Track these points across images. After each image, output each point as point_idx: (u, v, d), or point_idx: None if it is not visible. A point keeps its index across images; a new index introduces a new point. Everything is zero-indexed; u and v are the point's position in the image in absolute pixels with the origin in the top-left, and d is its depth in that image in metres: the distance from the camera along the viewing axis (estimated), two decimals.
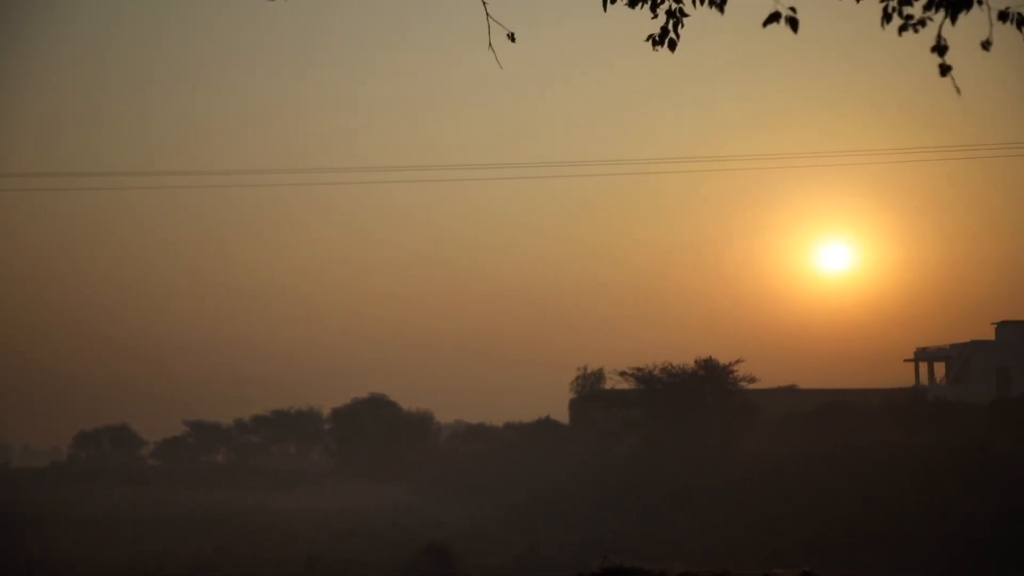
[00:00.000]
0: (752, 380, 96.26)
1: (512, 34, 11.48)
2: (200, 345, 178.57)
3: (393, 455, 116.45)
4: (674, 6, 11.05)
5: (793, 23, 10.80)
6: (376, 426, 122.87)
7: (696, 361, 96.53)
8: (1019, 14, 10.81)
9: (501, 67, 12.23)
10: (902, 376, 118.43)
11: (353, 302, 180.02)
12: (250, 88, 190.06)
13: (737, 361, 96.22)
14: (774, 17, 10.84)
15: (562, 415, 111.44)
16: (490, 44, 11.65)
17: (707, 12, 11.10)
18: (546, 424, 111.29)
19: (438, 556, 64.87)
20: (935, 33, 10.88)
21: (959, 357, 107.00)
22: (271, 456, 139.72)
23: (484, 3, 11.50)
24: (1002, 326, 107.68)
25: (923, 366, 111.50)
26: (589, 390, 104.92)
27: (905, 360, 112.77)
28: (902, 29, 10.94)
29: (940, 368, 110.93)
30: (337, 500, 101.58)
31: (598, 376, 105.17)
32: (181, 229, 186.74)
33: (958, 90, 11.31)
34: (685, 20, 11.11)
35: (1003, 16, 10.85)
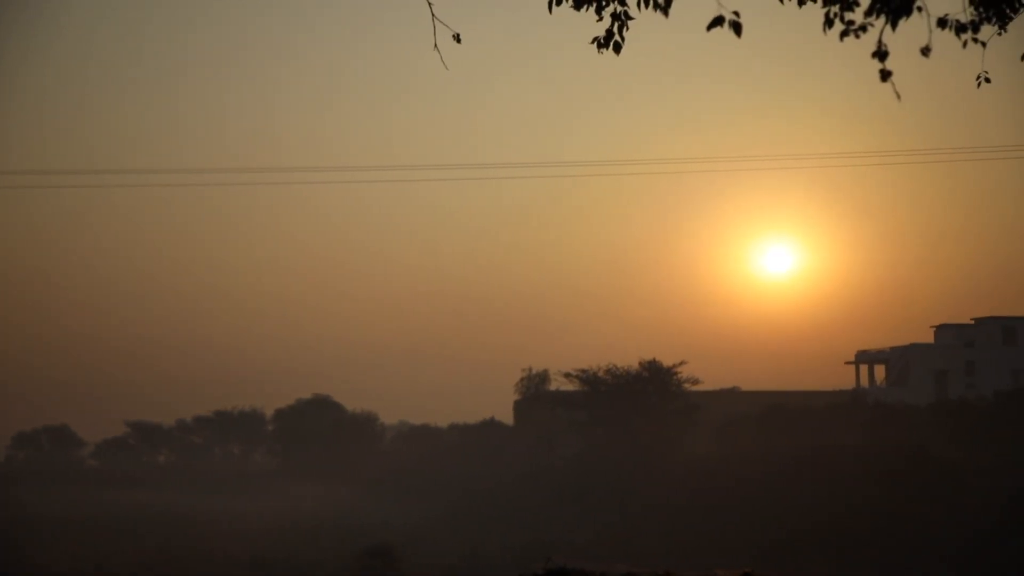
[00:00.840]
0: (696, 382, 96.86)
1: (457, 35, 11.50)
2: (142, 345, 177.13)
3: (337, 456, 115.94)
4: (619, 9, 11.10)
5: (737, 27, 10.88)
6: (320, 427, 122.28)
7: (640, 363, 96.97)
8: (957, 21, 10.97)
9: (447, 68, 12.25)
10: (843, 378, 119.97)
11: (297, 303, 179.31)
12: (184, 87, 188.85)
13: (681, 363, 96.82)
14: (718, 21, 10.92)
15: (507, 416, 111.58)
16: (435, 45, 11.67)
17: (652, 15, 11.18)
18: (490, 425, 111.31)
19: (382, 557, 64.70)
20: (876, 39, 11.03)
21: (899, 360, 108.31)
22: (214, 457, 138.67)
23: (430, 4, 11.51)
24: (941, 329, 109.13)
25: (864, 368, 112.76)
26: (534, 391, 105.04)
27: (846, 362, 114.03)
28: (843, 35, 11.06)
29: (880, 371, 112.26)
30: (280, 501, 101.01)
31: (543, 377, 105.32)
32: (119, 230, 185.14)
33: (898, 95, 11.46)
34: (630, 23, 11.17)
35: (942, 23, 11.00)
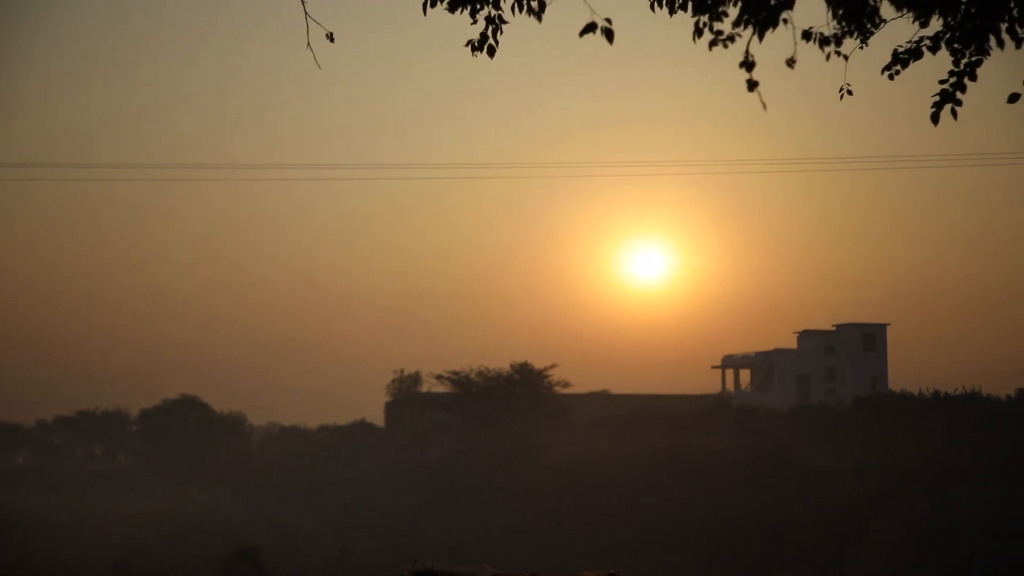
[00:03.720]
0: (566, 385, 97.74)
1: (331, 34, 11.44)
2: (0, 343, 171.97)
3: (204, 457, 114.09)
4: (493, 12, 11.15)
5: (609, 34, 11.03)
6: (187, 427, 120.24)
7: (512, 365, 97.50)
8: (821, 34, 11.26)
9: (320, 67, 12.19)
10: (710, 382, 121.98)
11: (165, 300, 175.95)
12: (52, 82, 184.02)
13: (552, 366, 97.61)
14: (590, 27, 11.06)
15: (378, 418, 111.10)
16: (308, 44, 11.60)
17: (526, 20, 11.25)
18: (361, 427, 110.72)
19: (248, 560, 63.90)
20: (744, 49, 11.27)
21: (763, 365, 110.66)
22: (75, 458, 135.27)
23: (303, 2, 11.43)
24: (803, 335, 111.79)
25: (729, 373, 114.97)
26: (405, 393, 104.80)
27: (713, 367, 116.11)
28: (712, 44, 11.28)
29: (746, 375, 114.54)
30: (145, 503, 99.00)
31: (414, 379, 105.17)
32: None
33: (764, 105, 11.73)
34: (504, 27, 11.23)
35: (806, 35, 11.29)
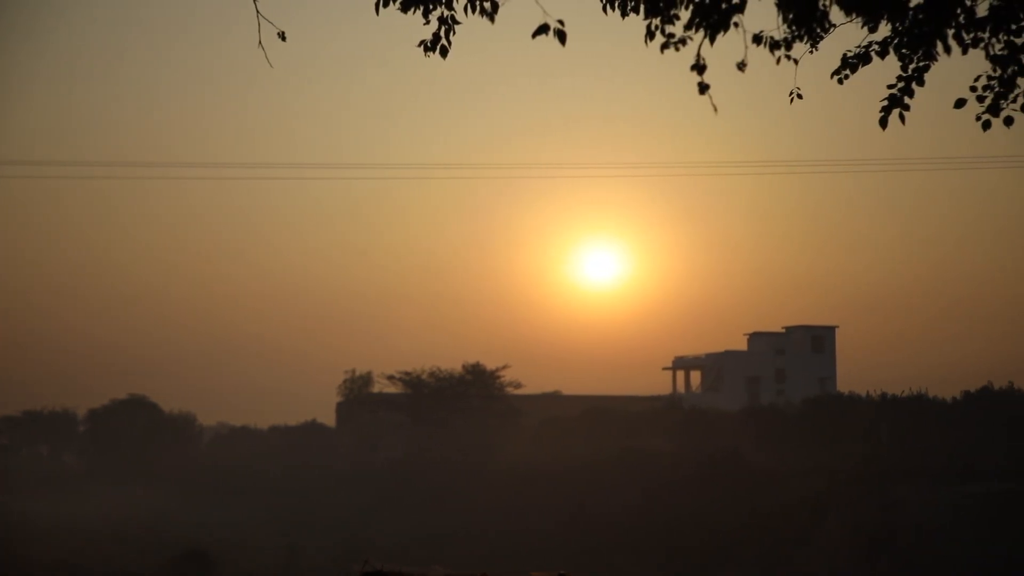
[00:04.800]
0: (518, 386, 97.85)
1: (283, 33, 11.40)
2: None
3: (152, 458, 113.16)
4: (446, 13, 11.16)
5: (561, 36, 11.07)
6: (135, 428, 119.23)
7: (463, 366, 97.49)
8: (771, 38, 11.36)
9: (271, 65, 12.14)
10: (661, 384, 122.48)
11: (113, 299, 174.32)
12: None
13: (504, 367, 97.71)
14: (543, 29, 11.09)
15: (329, 418, 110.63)
16: (260, 42, 11.55)
17: (479, 20, 11.26)
18: (312, 427, 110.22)
19: (197, 560, 63.49)
20: (695, 52, 11.34)
21: (713, 366, 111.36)
22: (21, 458, 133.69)
23: (255, 1, 11.38)
24: (753, 337, 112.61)
25: (680, 374, 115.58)
26: (357, 393, 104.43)
27: (664, 368, 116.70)
28: (664, 47, 11.35)
29: (696, 376, 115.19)
30: (92, 505, 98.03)
31: (366, 380, 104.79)
32: None
33: (715, 108, 11.82)
34: (457, 27, 11.24)
35: (757, 39, 11.38)
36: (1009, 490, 62.58)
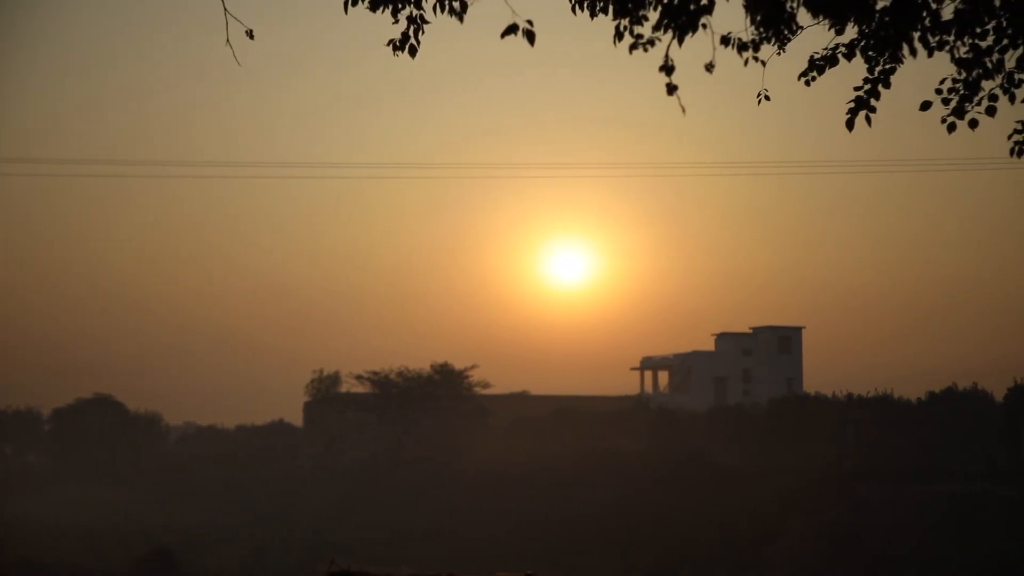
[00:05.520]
0: (486, 385, 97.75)
1: (251, 31, 11.37)
2: None
3: (118, 457, 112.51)
4: (415, 12, 11.15)
5: (530, 36, 11.09)
6: (101, 427, 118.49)
7: (432, 366, 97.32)
8: (739, 40, 11.40)
9: (239, 64, 12.10)
10: (629, 384, 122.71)
11: (78, 298, 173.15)
12: None
13: (472, 367, 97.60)
14: (512, 29, 11.10)
15: (296, 418, 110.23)
16: (228, 40, 11.51)
17: (448, 20, 11.26)
18: (280, 427, 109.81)
19: (162, 560, 63.18)
20: (663, 53, 11.38)
21: (681, 367, 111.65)
22: None
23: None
24: (721, 337, 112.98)
25: (648, 374, 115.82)
26: (324, 393, 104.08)
27: (631, 368, 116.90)
28: (632, 48, 11.38)
29: (664, 377, 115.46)
30: (57, 504, 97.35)
31: (334, 379, 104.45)
32: None
33: (683, 109, 11.86)
34: (426, 27, 11.23)
35: (725, 41, 11.42)
36: (973, 490, 63.11)
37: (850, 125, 11.10)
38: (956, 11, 10.79)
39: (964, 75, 10.94)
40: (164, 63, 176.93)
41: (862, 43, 10.99)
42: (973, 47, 10.84)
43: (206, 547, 71.49)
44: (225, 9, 11.24)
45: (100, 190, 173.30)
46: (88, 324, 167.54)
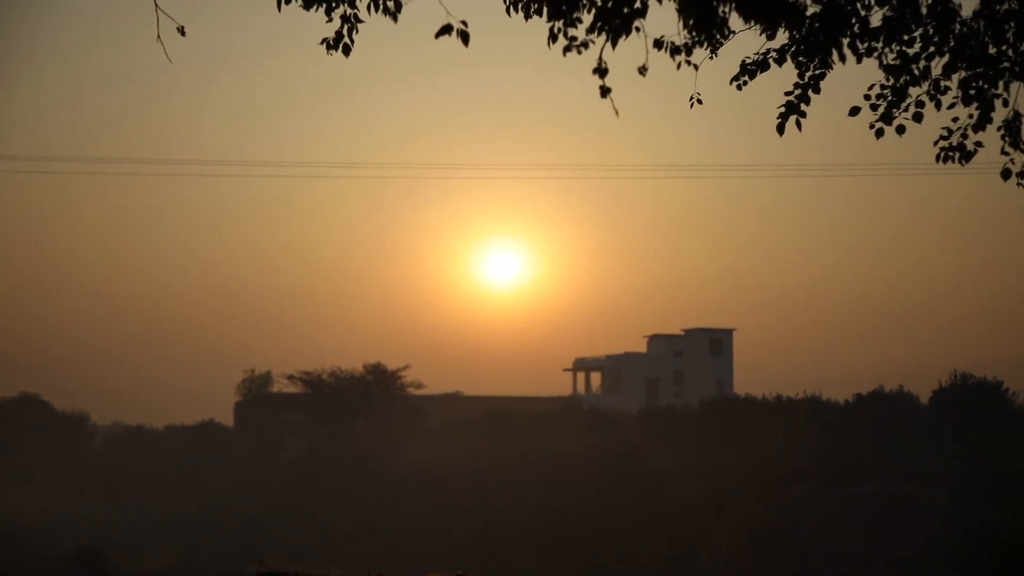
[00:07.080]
0: (419, 386, 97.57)
1: (182, 28, 11.28)
2: None
3: (44, 458, 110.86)
4: (349, 11, 11.12)
5: (464, 36, 11.10)
6: (26, 427, 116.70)
7: (364, 366, 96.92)
8: (672, 43, 11.48)
9: (170, 60, 12.00)
10: (562, 384, 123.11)
11: (3, 295, 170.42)
12: None
13: (405, 367, 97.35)
14: (446, 29, 11.11)
15: (227, 418, 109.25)
16: (159, 36, 11.41)
17: (382, 19, 11.24)
18: (210, 427, 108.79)
19: (89, 561, 62.37)
20: (597, 56, 11.44)
21: (613, 368, 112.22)
22: None
23: None
24: (653, 339, 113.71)
25: (581, 375, 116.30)
26: (256, 393, 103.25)
27: (564, 369, 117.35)
28: (566, 50, 11.42)
29: (596, 378, 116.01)
30: None
31: (266, 379, 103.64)
32: None
33: (616, 111, 11.93)
34: (360, 26, 11.20)
35: (658, 44, 11.50)
36: (899, 490, 64.04)
37: (781, 129, 11.23)
38: (884, 18, 10.96)
39: (892, 81, 11.11)
40: (97, 58, 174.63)
41: (793, 48, 11.12)
42: (901, 54, 11.02)
43: (135, 548, 70.72)
44: (156, 5, 11.14)
45: (25, 188, 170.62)
46: (13, 321, 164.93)
